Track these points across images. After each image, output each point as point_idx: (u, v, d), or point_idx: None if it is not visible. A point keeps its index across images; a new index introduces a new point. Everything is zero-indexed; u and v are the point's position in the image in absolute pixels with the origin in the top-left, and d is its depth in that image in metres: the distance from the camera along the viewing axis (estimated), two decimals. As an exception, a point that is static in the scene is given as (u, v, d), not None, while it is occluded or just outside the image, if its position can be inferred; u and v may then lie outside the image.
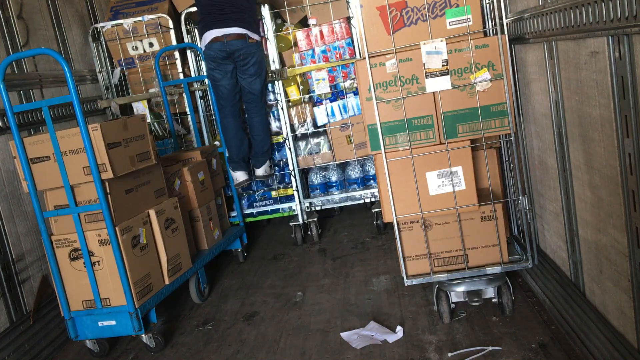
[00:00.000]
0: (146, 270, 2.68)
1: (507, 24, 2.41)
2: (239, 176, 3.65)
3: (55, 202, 2.58)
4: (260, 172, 3.76)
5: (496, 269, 2.48)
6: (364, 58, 2.38)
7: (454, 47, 2.34)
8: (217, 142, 3.97)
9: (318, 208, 4.09)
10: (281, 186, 4.12)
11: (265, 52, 3.98)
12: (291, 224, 4.04)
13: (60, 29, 3.73)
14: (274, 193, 4.10)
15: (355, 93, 3.95)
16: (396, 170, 2.44)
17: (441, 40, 2.33)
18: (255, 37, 3.46)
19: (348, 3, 3.85)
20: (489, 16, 2.67)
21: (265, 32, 3.91)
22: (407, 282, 2.54)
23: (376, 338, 2.53)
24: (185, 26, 3.96)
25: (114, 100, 4.00)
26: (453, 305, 2.58)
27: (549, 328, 2.38)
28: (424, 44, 2.34)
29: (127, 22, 3.94)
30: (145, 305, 2.63)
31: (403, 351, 2.40)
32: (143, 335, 2.65)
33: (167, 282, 2.83)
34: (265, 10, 3.84)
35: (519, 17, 2.34)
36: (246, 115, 3.72)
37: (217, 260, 3.86)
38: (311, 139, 4.07)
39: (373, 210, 4.04)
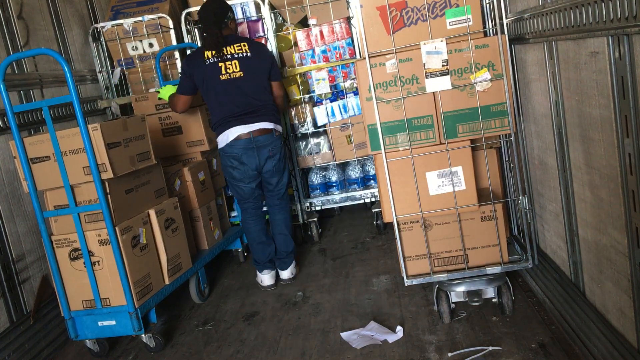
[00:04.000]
0: (146, 270, 2.68)
1: (507, 24, 2.41)
2: (265, 280, 3.29)
3: (55, 202, 2.58)
4: (285, 275, 3.34)
5: (496, 269, 2.48)
6: (364, 58, 2.38)
7: (454, 47, 2.34)
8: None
9: (318, 208, 4.08)
10: (281, 186, 4.11)
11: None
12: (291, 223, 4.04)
13: (60, 29, 3.73)
14: (274, 193, 4.09)
15: (355, 93, 3.95)
16: (396, 170, 2.44)
17: (441, 40, 2.33)
18: (279, 128, 3.19)
19: (348, 3, 3.85)
20: (489, 16, 2.67)
21: (265, 32, 3.91)
22: (407, 282, 2.54)
23: (376, 338, 2.53)
24: (185, 26, 3.96)
25: (114, 100, 4.00)
26: (453, 305, 2.58)
27: (549, 328, 2.38)
28: (424, 44, 2.34)
29: (127, 22, 3.94)
30: (145, 305, 2.63)
31: (403, 351, 2.40)
32: (143, 335, 2.65)
33: (167, 282, 2.83)
34: (265, 10, 3.85)
35: (519, 17, 2.34)
36: (268, 213, 3.38)
37: (217, 260, 3.86)
38: (311, 139, 4.07)
39: (373, 210, 4.04)
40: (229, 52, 3.07)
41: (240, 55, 3.07)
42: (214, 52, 3.05)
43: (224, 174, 3.32)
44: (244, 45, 3.10)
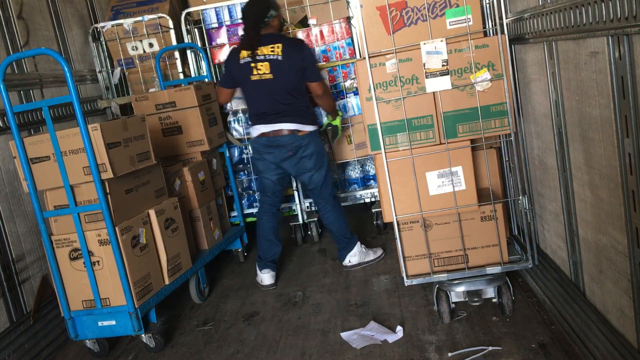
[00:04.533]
0: (146, 270, 2.68)
1: (507, 24, 2.41)
2: (265, 279, 3.32)
3: (55, 202, 2.58)
4: (350, 261, 3.42)
5: (496, 269, 2.48)
6: (364, 58, 2.38)
7: (454, 47, 2.34)
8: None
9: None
10: (281, 186, 4.11)
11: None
12: (291, 224, 4.04)
13: (60, 29, 3.73)
14: (274, 193, 4.09)
15: (355, 93, 3.94)
16: (396, 170, 2.44)
17: (441, 40, 2.33)
18: (308, 128, 3.21)
19: (348, 3, 3.84)
20: (489, 16, 2.67)
21: (265, 32, 3.91)
22: (407, 282, 2.54)
23: (376, 338, 2.53)
24: (185, 26, 3.95)
25: (114, 100, 4.00)
26: (453, 305, 2.58)
27: (549, 328, 2.38)
28: (424, 44, 2.34)
29: (127, 22, 3.94)
30: (145, 305, 2.63)
31: (403, 351, 2.40)
32: (143, 335, 2.65)
33: (167, 282, 2.83)
34: (265, 10, 3.84)
35: (519, 17, 2.34)
36: (320, 212, 3.45)
37: (217, 260, 3.86)
38: (311, 139, 4.06)
39: (373, 210, 4.04)
40: (262, 53, 3.13)
41: (271, 57, 3.12)
42: (248, 52, 3.14)
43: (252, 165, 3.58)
44: (278, 47, 3.13)
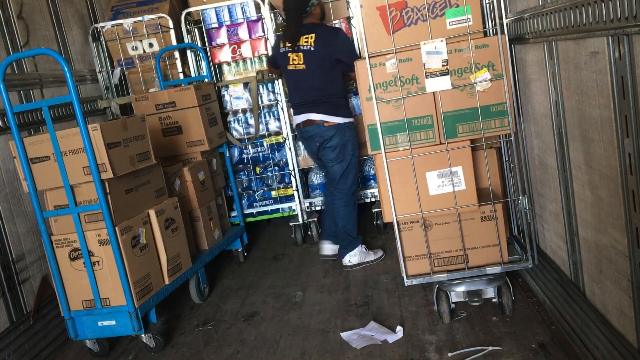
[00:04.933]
0: (146, 270, 2.68)
1: (507, 24, 2.41)
2: (325, 248, 3.50)
3: (55, 202, 2.58)
4: (350, 261, 3.42)
5: (496, 269, 2.48)
6: (364, 58, 2.38)
7: (454, 47, 2.34)
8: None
9: (318, 208, 4.08)
10: (281, 186, 4.11)
11: (265, 52, 3.98)
12: (291, 224, 4.04)
13: (60, 29, 3.73)
14: (274, 193, 4.10)
15: (355, 93, 3.94)
16: (396, 170, 2.44)
17: (441, 40, 2.33)
18: (335, 120, 3.23)
19: (348, 3, 3.85)
20: (489, 16, 2.67)
21: (266, 32, 3.91)
22: (407, 282, 2.54)
23: (376, 338, 2.53)
24: (185, 26, 3.96)
25: (114, 100, 4.00)
26: (453, 305, 2.58)
27: (549, 328, 2.38)
28: (424, 44, 2.34)
29: (127, 22, 3.94)
30: (145, 305, 2.63)
31: (403, 351, 2.40)
32: (143, 335, 2.65)
33: (167, 282, 2.83)
34: (265, 10, 3.85)
35: (519, 17, 2.34)
36: (334, 203, 3.46)
37: (217, 260, 3.86)
38: (311, 139, 4.07)
39: (373, 210, 4.04)
40: (299, 44, 3.21)
41: (304, 48, 3.20)
42: (287, 42, 3.26)
43: None
44: (311, 38, 3.19)
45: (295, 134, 4.03)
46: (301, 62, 3.22)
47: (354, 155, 3.35)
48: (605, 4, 1.54)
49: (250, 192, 4.15)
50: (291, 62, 3.26)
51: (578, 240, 2.15)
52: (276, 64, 3.47)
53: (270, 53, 3.71)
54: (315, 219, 4.01)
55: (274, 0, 3.97)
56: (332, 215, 3.48)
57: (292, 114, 3.46)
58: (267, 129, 4.06)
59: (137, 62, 4.07)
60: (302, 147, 3.87)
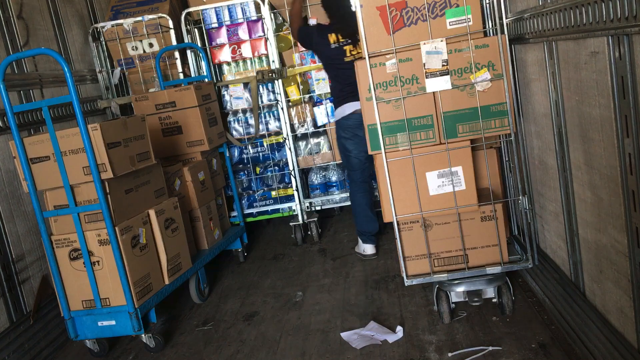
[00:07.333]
0: (146, 270, 2.68)
1: (507, 24, 2.41)
2: (368, 249, 3.54)
3: (55, 202, 2.58)
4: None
5: (496, 269, 2.48)
6: (364, 58, 2.38)
7: (454, 47, 2.34)
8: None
9: (318, 208, 4.08)
10: (281, 186, 4.12)
11: (265, 52, 3.99)
12: (291, 224, 4.04)
13: (60, 29, 3.73)
14: (273, 193, 4.10)
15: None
16: (396, 170, 2.44)
17: (441, 40, 2.33)
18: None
19: (348, 3, 3.85)
20: (489, 16, 2.67)
21: (266, 32, 3.91)
22: (407, 282, 2.54)
23: (376, 338, 2.53)
24: (185, 26, 3.96)
25: (114, 100, 4.00)
26: (453, 305, 2.58)
27: (549, 328, 2.38)
28: (424, 44, 2.34)
29: (127, 22, 3.94)
30: (145, 305, 2.63)
31: (403, 351, 2.40)
32: (143, 335, 2.65)
33: (167, 282, 2.83)
34: (265, 10, 3.85)
35: (519, 17, 2.34)
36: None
37: (217, 260, 3.86)
38: (311, 139, 4.07)
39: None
40: (356, 36, 3.26)
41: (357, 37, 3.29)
42: (340, 37, 3.36)
43: (337, 145, 3.61)
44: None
45: (296, 134, 4.03)
46: (360, 51, 3.31)
47: None
48: (605, 4, 1.54)
49: (250, 192, 4.15)
50: (349, 54, 3.37)
51: (578, 240, 2.15)
52: (309, 46, 3.56)
53: (303, 38, 3.60)
54: (315, 218, 4.01)
55: (274, 0, 3.98)
56: (363, 214, 3.49)
57: (347, 102, 3.37)
58: (267, 129, 4.06)
59: (137, 62, 4.07)
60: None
